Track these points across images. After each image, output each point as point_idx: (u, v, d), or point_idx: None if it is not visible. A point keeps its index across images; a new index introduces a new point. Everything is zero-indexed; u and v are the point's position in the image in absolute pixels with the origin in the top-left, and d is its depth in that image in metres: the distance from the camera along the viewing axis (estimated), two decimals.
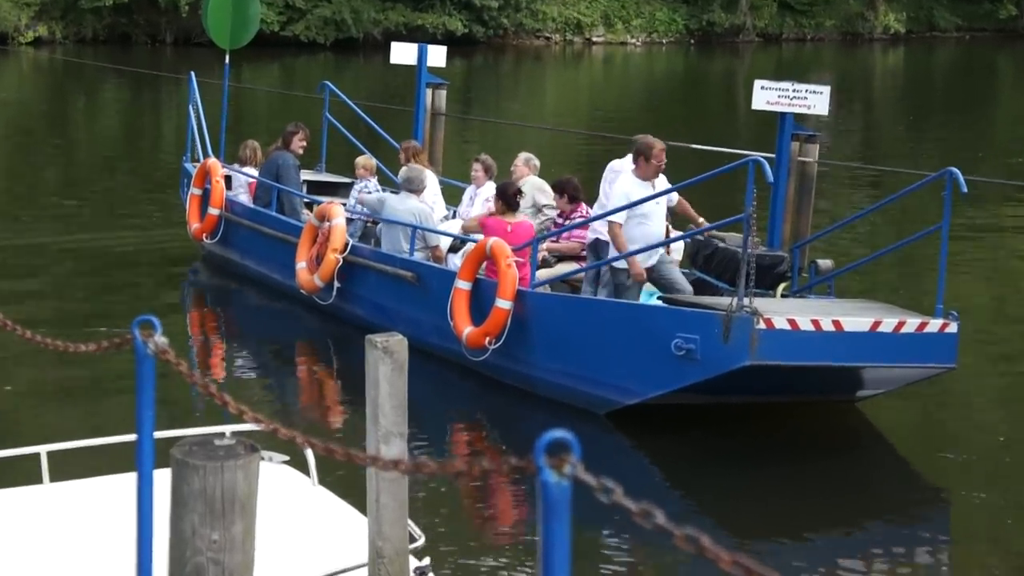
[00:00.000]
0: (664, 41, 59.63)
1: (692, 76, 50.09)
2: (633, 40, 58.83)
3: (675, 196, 11.58)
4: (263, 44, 47.50)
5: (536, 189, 13.02)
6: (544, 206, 12.92)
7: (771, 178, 10.07)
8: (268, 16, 48.17)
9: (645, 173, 11.23)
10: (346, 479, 7.30)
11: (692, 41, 60.17)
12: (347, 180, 15.59)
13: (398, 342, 4.92)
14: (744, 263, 9.93)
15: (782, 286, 11.56)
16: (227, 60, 16.03)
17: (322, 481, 6.14)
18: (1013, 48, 65.08)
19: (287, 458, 6.32)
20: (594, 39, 57.88)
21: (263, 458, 5.78)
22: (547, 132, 28.07)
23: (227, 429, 5.78)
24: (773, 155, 12.37)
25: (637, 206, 11.07)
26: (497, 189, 12.31)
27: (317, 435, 9.55)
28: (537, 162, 13.41)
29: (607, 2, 58.52)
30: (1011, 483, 9.99)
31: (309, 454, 5.93)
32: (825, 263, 11.80)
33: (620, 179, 11.42)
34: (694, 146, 16.55)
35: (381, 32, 48.39)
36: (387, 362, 4.89)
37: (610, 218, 11.08)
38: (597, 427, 10.64)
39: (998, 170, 25.52)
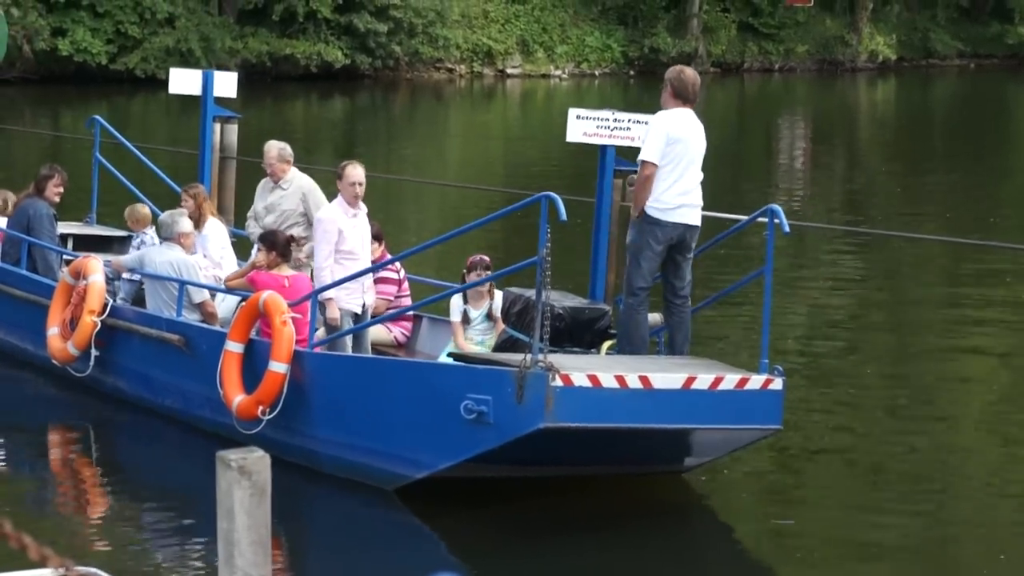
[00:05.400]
0: (597, 72, 60.92)
1: None
2: (558, 72, 59.96)
3: None
4: (88, 81, 48.39)
5: (307, 192, 13.90)
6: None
7: (563, 216, 11.04)
8: (93, 46, 48.99)
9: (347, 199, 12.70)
10: None
11: (631, 72, 61.50)
12: (123, 233, 16.45)
13: (258, 460, 4.87)
14: (539, 312, 10.98)
15: (607, 344, 12.58)
16: None
17: None
18: None
19: None
20: (509, 71, 58.97)
21: None
22: (446, 188, 28.86)
23: None
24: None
25: (342, 243, 12.44)
26: (264, 240, 13.28)
27: None
28: (290, 151, 14.16)
29: (524, 25, 59.52)
30: (845, 553, 11.19)
31: None
32: (654, 317, 12.79)
33: (328, 210, 12.77)
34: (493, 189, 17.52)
35: (239, 64, 48.72)
36: (244, 486, 4.79)
37: None
38: (384, 506, 11.59)
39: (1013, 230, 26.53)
